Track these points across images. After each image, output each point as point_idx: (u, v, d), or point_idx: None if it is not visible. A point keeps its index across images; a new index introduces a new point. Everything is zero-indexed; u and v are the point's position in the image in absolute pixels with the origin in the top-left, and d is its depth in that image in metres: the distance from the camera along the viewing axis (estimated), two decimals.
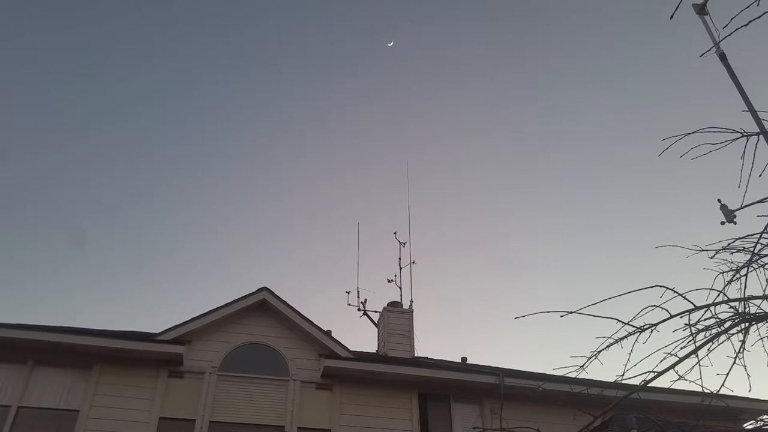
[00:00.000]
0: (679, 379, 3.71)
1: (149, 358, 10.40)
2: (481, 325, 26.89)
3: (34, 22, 23.59)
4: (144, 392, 10.18)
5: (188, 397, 10.31)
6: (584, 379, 4.58)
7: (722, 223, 4.59)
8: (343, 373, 10.92)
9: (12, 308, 28.21)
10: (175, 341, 10.49)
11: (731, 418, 10.59)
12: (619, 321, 3.78)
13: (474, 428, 10.68)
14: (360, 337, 27.37)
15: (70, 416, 9.80)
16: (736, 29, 3.09)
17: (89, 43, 25.20)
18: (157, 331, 10.63)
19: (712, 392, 3.69)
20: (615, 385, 4.35)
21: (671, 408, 10.29)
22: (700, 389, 3.78)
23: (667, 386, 4.12)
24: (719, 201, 4.73)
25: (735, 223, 4.54)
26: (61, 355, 10.23)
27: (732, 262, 3.89)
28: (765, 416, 11.19)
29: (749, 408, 10.77)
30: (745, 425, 11.00)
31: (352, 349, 11.21)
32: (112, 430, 9.71)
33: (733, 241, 3.82)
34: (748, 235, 3.77)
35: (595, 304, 3.70)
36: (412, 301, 14.08)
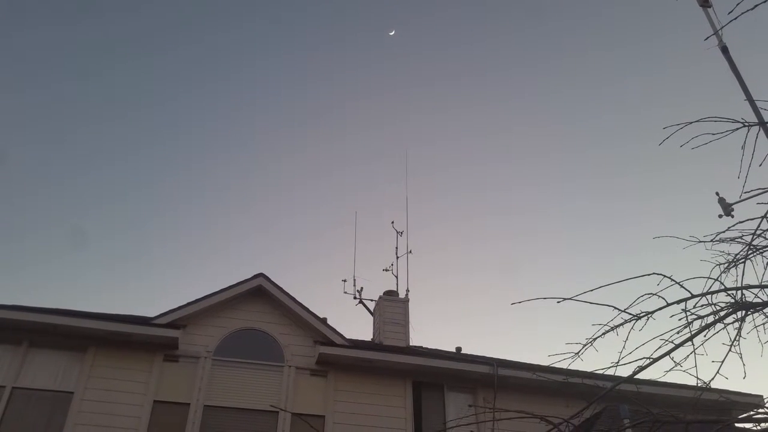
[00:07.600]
0: (674, 367, 3.71)
1: (145, 342, 10.40)
2: (476, 315, 26.97)
3: (32, 19, 23.47)
4: (139, 375, 10.19)
5: (183, 381, 10.33)
6: (578, 370, 4.60)
7: (720, 216, 4.60)
8: (338, 360, 10.94)
9: (11, 293, 28.20)
10: (171, 325, 10.49)
11: (725, 409, 10.63)
12: (615, 308, 3.78)
13: (469, 406, 10.77)
14: (356, 325, 27.45)
15: (64, 398, 9.81)
16: (742, 13, 3.09)
17: (87, 39, 25.11)
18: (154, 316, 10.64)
19: (705, 383, 3.70)
20: (609, 377, 4.35)
21: (665, 401, 10.31)
22: (694, 382, 3.79)
23: (661, 377, 4.13)
24: (717, 194, 4.74)
25: (732, 216, 4.55)
26: (56, 337, 10.23)
27: (729, 254, 3.90)
28: (758, 409, 11.23)
29: (741, 401, 10.82)
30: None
31: (347, 337, 11.23)
32: (107, 413, 9.73)
33: (727, 230, 3.83)
34: (745, 220, 3.78)
35: (591, 290, 3.69)
36: (408, 291, 14.10)
